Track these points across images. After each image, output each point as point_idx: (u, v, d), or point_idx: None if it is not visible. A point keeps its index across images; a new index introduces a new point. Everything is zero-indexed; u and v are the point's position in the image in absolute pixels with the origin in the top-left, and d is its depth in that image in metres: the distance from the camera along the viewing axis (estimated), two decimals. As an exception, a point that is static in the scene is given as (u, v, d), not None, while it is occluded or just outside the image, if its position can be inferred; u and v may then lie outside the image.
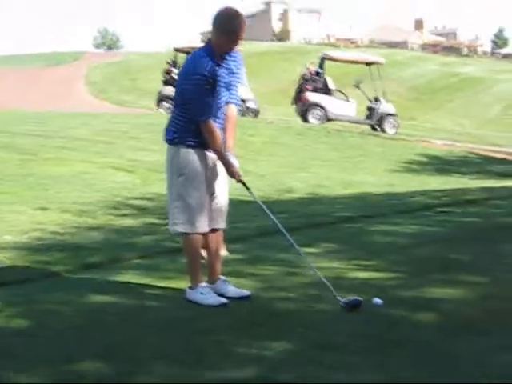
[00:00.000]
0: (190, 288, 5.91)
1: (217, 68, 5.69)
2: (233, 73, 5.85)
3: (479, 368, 4.31)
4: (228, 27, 5.63)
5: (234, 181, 5.96)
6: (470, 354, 4.53)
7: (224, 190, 6.05)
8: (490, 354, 4.56)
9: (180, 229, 5.89)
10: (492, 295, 5.92)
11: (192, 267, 5.97)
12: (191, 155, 5.82)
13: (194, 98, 5.65)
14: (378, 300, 5.55)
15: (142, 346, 4.82)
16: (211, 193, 5.94)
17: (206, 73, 5.61)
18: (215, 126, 5.74)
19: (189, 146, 5.81)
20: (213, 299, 5.79)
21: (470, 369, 4.31)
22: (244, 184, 5.96)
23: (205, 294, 5.82)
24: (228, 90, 5.84)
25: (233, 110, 5.93)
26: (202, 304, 5.76)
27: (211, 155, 5.89)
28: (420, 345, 4.73)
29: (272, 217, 6.13)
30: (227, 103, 5.87)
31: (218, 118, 5.80)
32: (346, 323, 5.25)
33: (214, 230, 6.01)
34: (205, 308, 5.69)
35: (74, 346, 4.85)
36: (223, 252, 6.49)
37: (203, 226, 5.87)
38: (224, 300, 5.79)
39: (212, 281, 6.07)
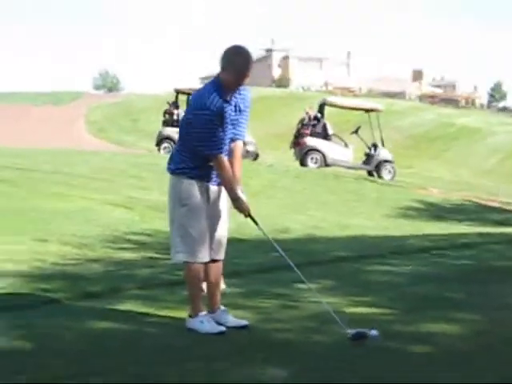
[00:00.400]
0: (190, 316, 6.01)
1: (224, 104, 5.82)
2: (240, 110, 5.95)
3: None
4: (236, 64, 5.75)
5: (241, 216, 6.06)
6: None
7: (224, 222, 6.15)
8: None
9: (181, 257, 5.99)
10: (485, 331, 6.03)
11: (193, 296, 6.06)
12: (194, 186, 5.92)
13: (204, 132, 5.75)
14: (374, 331, 5.64)
15: (140, 371, 4.89)
16: (212, 225, 6.05)
17: (214, 108, 5.72)
18: (226, 160, 5.86)
19: (192, 178, 5.92)
20: (211, 327, 5.88)
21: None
22: (253, 219, 6.06)
23: (204, 323, 5.91)
24: (234, 127, 5.96)
25: (239, 146, 6.04)
26: (201, 332, 5.84)
27: (213, 188, 6.01)
28: (413, 375, 4.82)
29: (280, 250, 6.23)
30: (233, 140, 5.98)
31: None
32: (342, 354, 5.34)
33: (213, 261, 6.12)
34: (203, 336, 5.77)
35: (71, 368, 4.92)
36: (221, 285, 6.58)
37: (204, 255, 5.97)
38: (223, 328, 5.88)
39: (212, 310, 6.16)
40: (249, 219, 6.05)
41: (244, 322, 6.11)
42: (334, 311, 5.98)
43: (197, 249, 5.92)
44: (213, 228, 6.05)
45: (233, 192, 5.90)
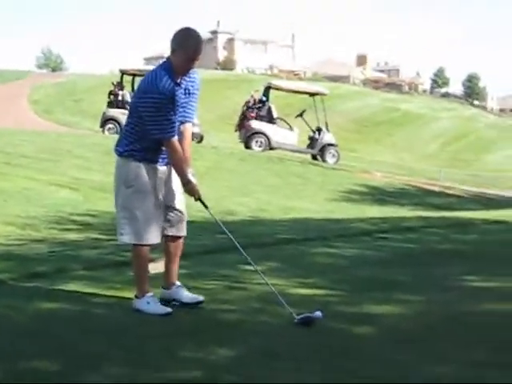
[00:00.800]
0: (137, 297, 6.03)
1: (176, 87, 5.84)
2: (190, 93, 5.97)
3: (412, 376, 4.53)
4: (186, 46, 5.76)
5: (192, 199, 6.10)
6: (405, 364, 4.74)
7: (180, 200, 6.17)
8: (423, 364, 4.77)
9: (127, 239, 6.02)
10: (428, 312, 6.17)
11: (139, 277, 6.09)
12: (141, 169, 5.93)
13: (156, 116, 5.74)
14: (318, 313, 5.73)
15: (89, 348, 4.92)
16: (168, 205, 6.08)
17: (166, 91, 5.72)
18: (178, 144, 5.89)
19: (139, 161, 5.93)
20: (158, 308, 5.92)
21: (404, 377, 4.51)
22: (203, 202, 6.10)
23: (150, 304, 5.95)
24: (184, 109, 5.97)
25: (189, 128, 6.07)
26: (148, 313, 5.88)
27: (162, 169, 6.02)
28: (358, 354, 4.93)
29: (229, 234, 6.31)
30: (183, 122, 5.99)
31: None
32: (289, 334, 5.43)
33: (175, 238, 6.19)
34: (150, 316, 5.81)
35: (21, 347, 4.92)
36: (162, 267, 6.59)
37: (150, 237, 5.99)
38: (169, 309, 5.92)
39: (167, 286, 6.24)
40: (199, 202, 6.09)
41: (200, 298, 6.18)
42: (279, 293, 6.06)
43: (143, 231, 5.94)
44: (168, 206, 6.09)
45: (184, 175, 5.93)
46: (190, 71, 5.91)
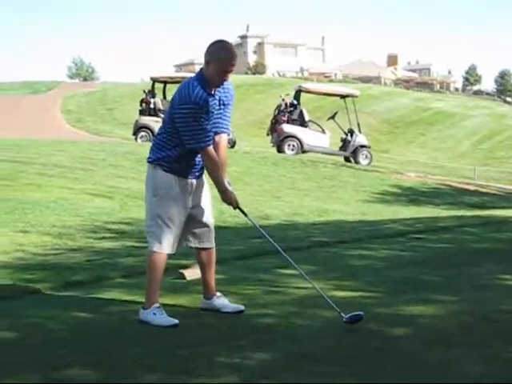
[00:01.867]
0: (144, 308, 5.99)
1: (209, 98, 5.83)
2: (224, 104, 5.97)
3: (452, 377, 4.52)
4: (219, 58, 5.77)
5: (223, 203, 6.11)
6: (444, 364, 4.74)
7: (208, 213, 6.20)
8: (462, 364, 4.76)
9: (149, 246, 6.07)
10: (464, 312, 6.15)
11: (149, 286, 6.05)
12: (168, 179, 5.95)
13: (191, 126, 5.76)
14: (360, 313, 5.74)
15: (127, 355, 4.95)
16: (195, 218, 6.10)
17: (199, 101, 5.73)
18: (214, 153, 5.90)
19: (168, 172, 5.96)
20: (164, 320, 5.85)
21: (444, 377, 4.51)
22: (242, 210, 6.12)
23: (157, 315, 5.89)
24: (218, 120, 5.97)
25: (224, 138, 6.07)
26: (154, 324, 5.81)
27: (191, 181, 6.05)
28: (396, 355, 4.93)
29: (270, 239, 6.37)
30: (218, 133, 6.00)
31: None
32: (326, 337, 5.43)
33: (204, 249, 6.22)
34: (187, 323, 5.82)
35: (60, 355, 4.96)
36: (198, 272, 6.62)
37: (167, 247, 5.99)
38: (175, 321, 5.83)
39: (207, 296, 6.28)
40: (238, 211, 6.12)
41: (240, 307, 6.20)
42: (316, 296, 6.07)
43: (162, 239, 5.95)
44: (195, 219, 6.11)
45: (221, 184, 5.94)
46: (225, 83, 5.92)
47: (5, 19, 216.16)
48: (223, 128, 6.04)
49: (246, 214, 6.15)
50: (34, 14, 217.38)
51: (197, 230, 6.17)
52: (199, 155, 5.93)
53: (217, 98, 5.90)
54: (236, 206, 6.05)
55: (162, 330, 5.63)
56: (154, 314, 5.90)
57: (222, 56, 5.79)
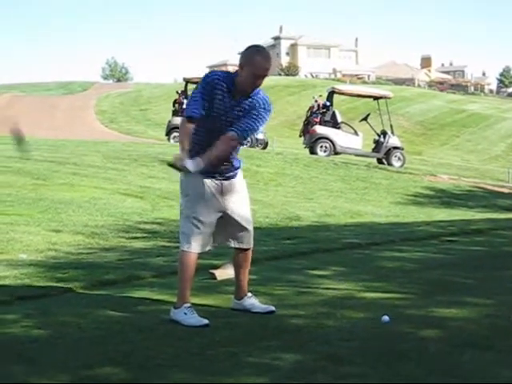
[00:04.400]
0: (175, 307, 6.00)
1: (226, 95, 5.83)
2: (246, 112, 5.89)
3: (483, 381, 4.48)
4: (253, 62, 5.76)
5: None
6: (475, 368, 4.70)
7: (246, 214, 6.20)
8: (494, 368, 4.72)
9: (180, 246, 6.10)
10: (496, 315, 6.10)
11: (181, 285, 6.06)
12: (198, 179, 5.96)
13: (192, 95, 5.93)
14: (386, 317, 5.73)
15: (157, 355, 4.96)
16: (232, 219, 6.10)
17: (208, 79, 5.83)
18: (188, 126, 5.85)
19: (199, 172, 5.95)
20: (195, 320, 5.84)
21: (475, 381, 4.47)
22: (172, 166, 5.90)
23: (187, 314, 5.88)
24: (234, 123, 5.88)
25: (229, 134, 5.88)
26: (184, 324, 5.82)
27: (222, 182, 6.05)
28: (427, 357, 4.90)
29: None
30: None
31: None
32: (355, 338, 5.40)
33: (241, 250, 6.25)
34: (218, 322, 5.83)
35: (91, 354, 5.00)
36: (231, 272, 6.64)
37: (197, 246, 6.00)
38: (205, 321, 5.81)
39: (238, 296, 6.30)
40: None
41: (271, 308, 6.21)
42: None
43: (192, 239, 5.97)
44: (233, 221, 6.12)
45: (180, 149, 5.82)
46: (254, 92, 5.89)
47: (42, 21, 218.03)
48: (233, 128, 5.87)
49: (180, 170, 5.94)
50: (68, 16, 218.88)
51: (236, 232, 6.18)
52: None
53: (242, 105, 5.87)
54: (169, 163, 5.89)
55: (192, 330, 5.63)
56: (185, 313, 5.90)
57: (255, 60, 5.77)
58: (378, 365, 4.76)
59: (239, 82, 5.82)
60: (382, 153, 30.71)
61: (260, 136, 31.29)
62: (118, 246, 10.30)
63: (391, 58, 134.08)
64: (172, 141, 32.05)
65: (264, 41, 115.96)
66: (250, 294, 6.32)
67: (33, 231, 11.07)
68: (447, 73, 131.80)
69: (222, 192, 6.06)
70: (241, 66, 5.82)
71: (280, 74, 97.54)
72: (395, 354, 4.95)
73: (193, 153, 5.81)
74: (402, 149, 31.46)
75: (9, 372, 4.61)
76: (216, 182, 6.04)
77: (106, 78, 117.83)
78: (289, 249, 9.74)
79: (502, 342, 5.28)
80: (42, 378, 4.49)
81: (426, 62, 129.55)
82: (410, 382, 4.43)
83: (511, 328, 5.70)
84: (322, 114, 30.98)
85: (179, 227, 6.13)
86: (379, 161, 30.73)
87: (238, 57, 6.13)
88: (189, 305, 5.98)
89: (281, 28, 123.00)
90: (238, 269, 6.34)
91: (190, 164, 5.76)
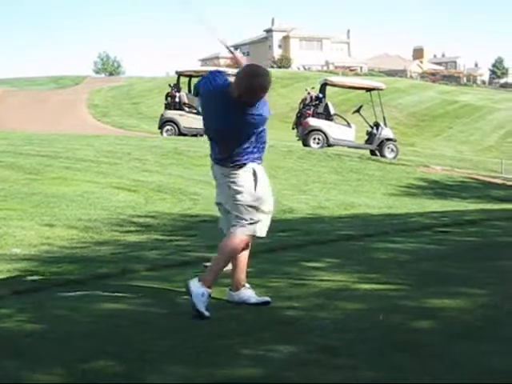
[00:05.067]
0: (199, 281, 5.88)
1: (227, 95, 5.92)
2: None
3: (478, 370, 4.49)
4: (245, 85, 5.81)
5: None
6: (469, 358, 4.71)
7: (232, 201, 6.15)
8: (488, 357, 4.73)
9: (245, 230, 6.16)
10: (490, 305, 6.11)
11: (220, 268, 6.11)
12: (212, 168, 6.26)
13: None
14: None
15: (153, 348, 4.97)
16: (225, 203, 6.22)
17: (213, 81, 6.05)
18: None
19: (211, 160, 6.25)
20: (201, 305, 5.76)
21: (470, 370, 4.48)
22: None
23: (203, 297, 5.80)
24: None
25: None
26: (191, 297, 5.77)
27: (217, 168, 6.17)
28: (420, 348, 4.91)
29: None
30: None
31: None
32: (348, 330, 5.41)
33: None
34: (213, 315, 5.80)
35: (86, 347, 5.00)
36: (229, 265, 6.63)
37: (223, 227, 6.32)
38: (207, 314, 5.75)
39: (234, 289, 6.28)
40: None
41: (266, 299, 6.21)
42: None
43: (258, 225, 6.16)
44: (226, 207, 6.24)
45: None
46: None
47: (30, 13, 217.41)
48: None
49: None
50: (57, 9, 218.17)
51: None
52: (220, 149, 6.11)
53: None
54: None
55: (187, 323, 5.64)
56: (203, 294, 5.82)
57: (241, 83, 5.84)
58: (372, 356, 4.77)
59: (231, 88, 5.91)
60: (375, 144, 30.71)
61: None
62: (111, 240, 10.29)
63: (383, 50, 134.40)
64: (165, 134, 32.03)
65: (256, 33, 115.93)
66: (247, 286, 6.30)
67: (26, 226, 11.05)
68: (439, 64, 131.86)
69: (219, 176, 6.25)
70: (235, 77, 5.90)
71: (272, 67, 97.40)
72: (389, 346, 4.97)
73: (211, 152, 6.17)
74: (395, 140, 31.49)
75: (1, 366, 4.62)
76: (222, 167, 6.19)
77: (97, 72, 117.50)
78: (283, 241, 9.74)
79: (496, 332, 5.30)
80: (36, 373, 4.50)
81: (418, 54, 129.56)
82: (404, 372, 4.45)
83: (504, 318, 5.71)
84: (315, 106, 30.93)
85: (248, 215, 6.07)
86: (372, 152, 30.74)
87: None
88: (211, 291, 5.92)
89: (273, 20, 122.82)
90: (235, 261, 6.29)
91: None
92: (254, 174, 6.12)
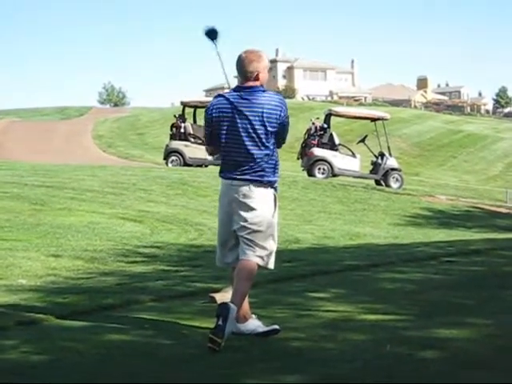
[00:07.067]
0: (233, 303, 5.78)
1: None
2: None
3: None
4: (236, 66, 6.04)
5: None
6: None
7: (243, 220, 5.98)
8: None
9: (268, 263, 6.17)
10: (497, 335, 6.09)
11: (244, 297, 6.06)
12: (221, 186, 6.11)
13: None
14: None
15: (157, 379, 4.97)
16: (238, 223, 6.01)
17: None
18: None
19: (222, 177, 6.09)
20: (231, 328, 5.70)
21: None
22: None
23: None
24: None
25: None
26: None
27: (240, 188, 5.96)
28: (427, 378, 4.89)
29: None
30: None
31: None
32: (355, 360, 5.38)
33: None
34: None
35: (92, 378, 4.99)
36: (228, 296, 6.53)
37: (217, 260, 6.15)
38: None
39: (239, 320, 5.99)
40: None
41: (275, 326, 6.11)
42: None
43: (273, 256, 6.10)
44: (239, 226, 6.01)
45: None
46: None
47: (37, 46, 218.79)
48: None
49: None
50: (64, 41, 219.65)
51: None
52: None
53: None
54: None
55: (193, 354, 5.63)
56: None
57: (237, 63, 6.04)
58: (379, 386, 4.76)
59: None
60: (380, 174, 30.76)
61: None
62: (117, 271, 10.28)
63: (388, 80, 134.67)
64: (170, 164, 32.09)
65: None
66: (254, 316, 6.22)
67: (32, 256, 11.05)
68: (443, 93, 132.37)
69: (241, 195, 6.08)
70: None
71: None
72: (396, 376, 4.95)
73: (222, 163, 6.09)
74: (400, 170, 31.55)
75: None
76: (233, 183, 6.06)
77: (102, 102, 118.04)
78: (288, 271, 9.72)
79: (503, 362, 5.27)
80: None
81: (422, 83, 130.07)
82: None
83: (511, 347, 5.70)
84: (320, 136, 31.04)
85: (264, 244, 6.02)
86: (377, 182, 30.77)
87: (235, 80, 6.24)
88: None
89: (277, 51, 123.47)
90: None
91: None
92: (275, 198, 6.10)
